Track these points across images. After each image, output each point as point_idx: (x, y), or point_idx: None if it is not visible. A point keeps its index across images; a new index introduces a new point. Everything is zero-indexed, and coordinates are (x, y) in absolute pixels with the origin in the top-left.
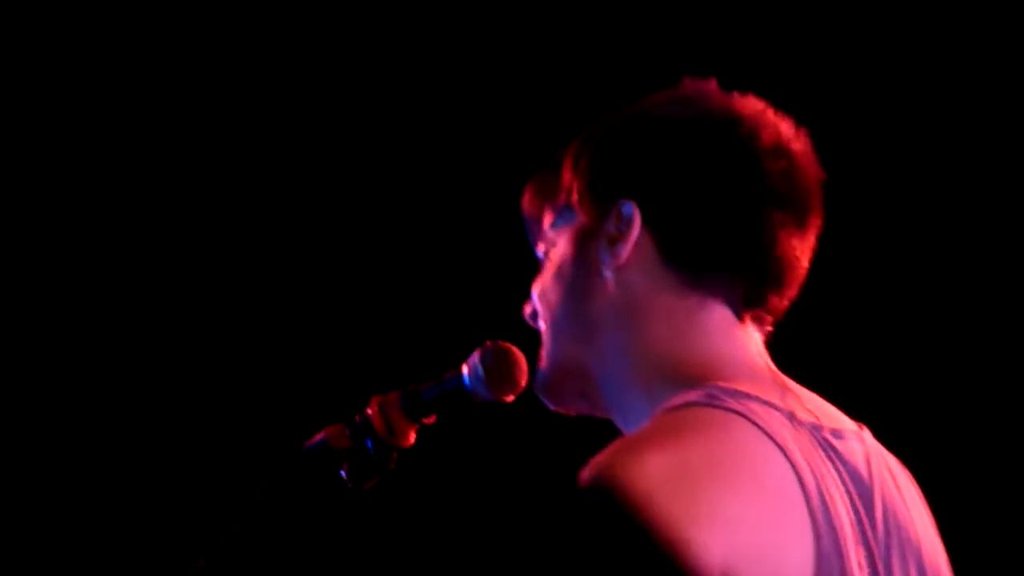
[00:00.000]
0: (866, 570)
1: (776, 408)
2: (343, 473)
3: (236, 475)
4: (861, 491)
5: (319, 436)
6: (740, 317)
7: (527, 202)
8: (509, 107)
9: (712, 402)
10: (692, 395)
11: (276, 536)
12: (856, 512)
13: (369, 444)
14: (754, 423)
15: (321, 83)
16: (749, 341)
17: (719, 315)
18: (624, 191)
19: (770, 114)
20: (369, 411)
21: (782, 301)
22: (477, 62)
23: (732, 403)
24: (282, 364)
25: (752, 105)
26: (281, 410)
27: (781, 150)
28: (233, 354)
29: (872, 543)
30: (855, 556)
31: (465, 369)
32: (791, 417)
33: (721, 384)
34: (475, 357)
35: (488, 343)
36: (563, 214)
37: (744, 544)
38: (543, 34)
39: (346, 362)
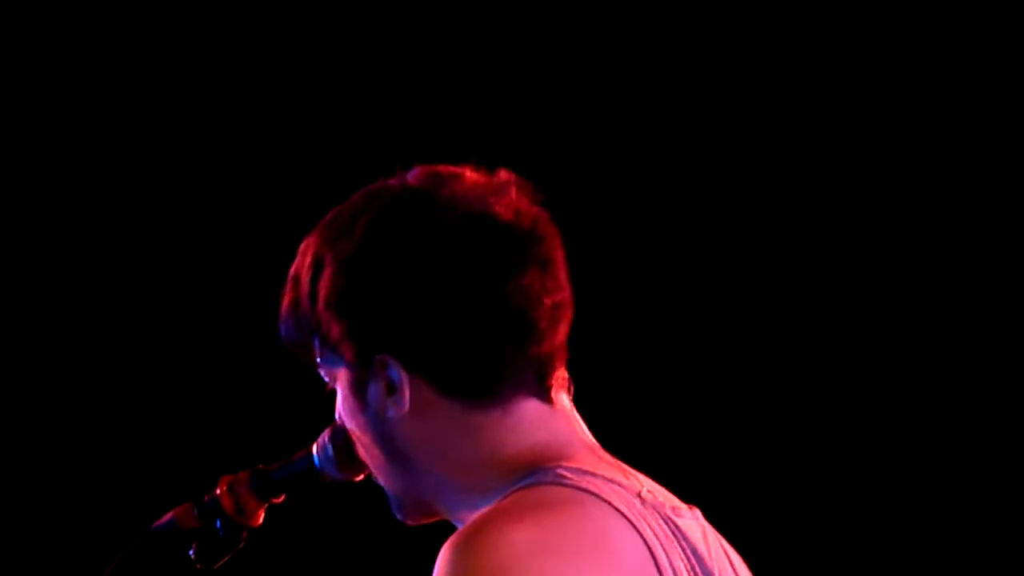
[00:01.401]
0: None
1: (621, 485)
2: (192, 553)
3: (84, 557)
4: (702, 567)
5: (167, 516)
6: (546, 397)
7: (285, 330)
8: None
9: (560, 481)
10: (536, 477)
11: None
12: None
13: (218, 524)
14: (605, 500)
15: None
16: (569, 421)
17: (528, 407)
18: (380, 344)
19: (458, 171)
20: (218, 491)
21: (563, 345)
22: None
23: (579, 481)
24: (129, 440)
25: (443, 174)
26: (129, 490)
27: (488, 195)
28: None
29: None
30: None
31: (315, 448)
32: (636, 495)
33: (563, 464)
34: (324, 436)
35: (337, 422)
36: (324, 353)
37: None
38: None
39: (193, 442)
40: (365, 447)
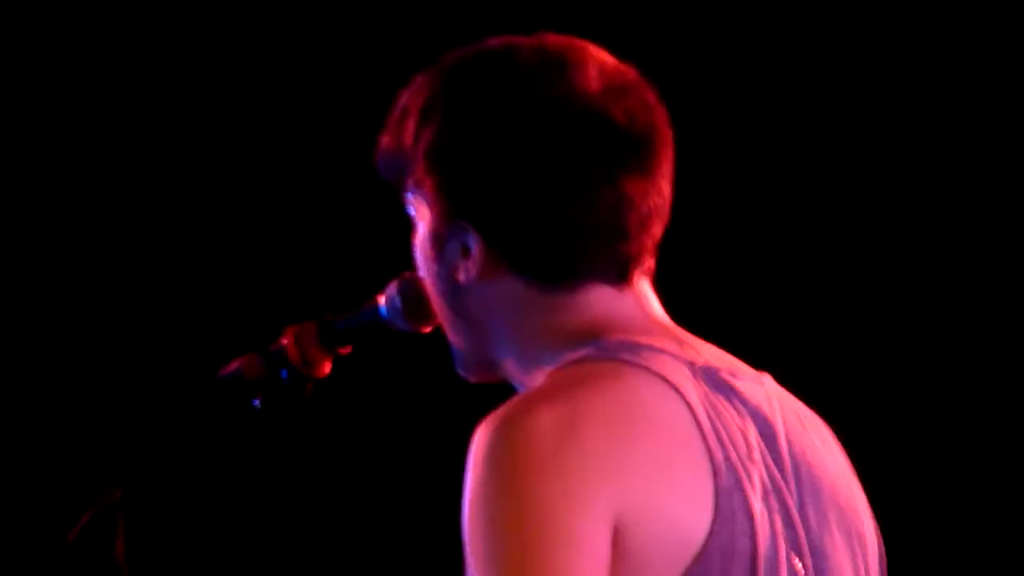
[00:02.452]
0: (774, 503)
1: (668, 352)
2: (256, 402)
3: (151, 405)
4: (763, 429)
5: (233, 365)
6: (621, 287)
7: (382, 155)
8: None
9: (602, 354)
10: (582, 352)
11: (191, 465)
12: (760, 449)
13: (284, 374)
14: (646, 368)
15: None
16: (638, 300)
17: (598, 294)
18: (465, 211)
19: (590, 56)
20: (284, 341)
21: (653, 247)
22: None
23: (622, 353)
24: (198, 292)
25: (575, 55)
26: (198, 338)
27: (609, 94)
28: (146, 281)
29: (778, 479)
30: (759, 490)
31: (382, 300)
32: (686, 362)
33: (613, 337)
34: (392, 288)
35: (405, 274)
36: (418, 187)
37: (640, 493)
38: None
39: (262, 291)
40: (433, 297)
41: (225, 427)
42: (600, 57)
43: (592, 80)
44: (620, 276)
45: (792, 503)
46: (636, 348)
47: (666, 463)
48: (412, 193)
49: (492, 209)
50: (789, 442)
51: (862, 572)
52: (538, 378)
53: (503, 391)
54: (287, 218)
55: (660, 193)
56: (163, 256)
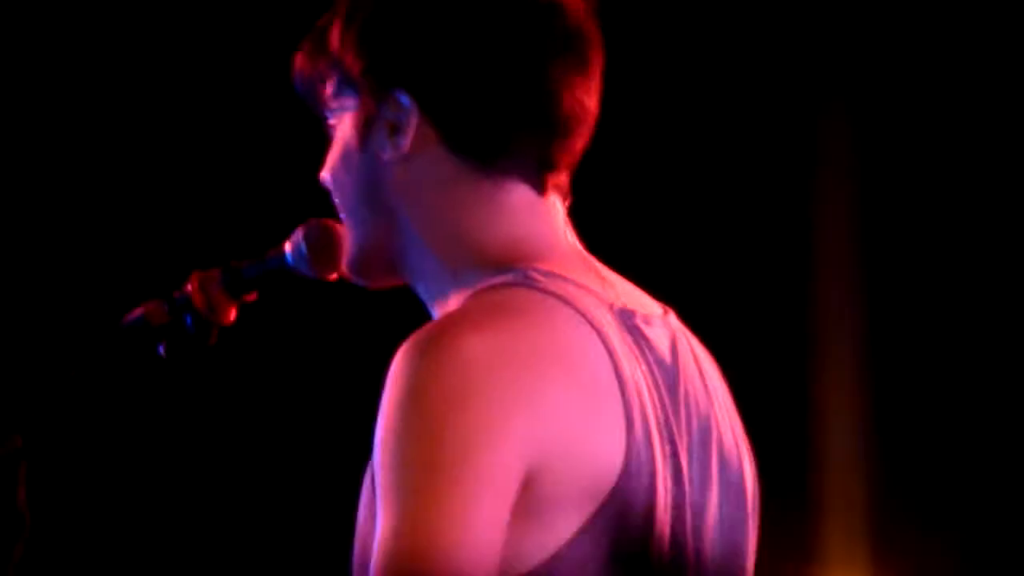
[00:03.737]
0: (668, 457)
1: (591, 291)
2: (161, 349)
3: (53, 352)
4: (667, 379)
5: (137, 312)
6: (541, 189)
7: (301, 72)
8: None
9: (529, 283)
10: (507, 277)
11: (94, 413)
12: (661, 400)
13: (188, 321)
14: (572, 306)
15: None
16: (555, 220)
17: (520, 194)
18: (399, 77)
19: None
20: (189, 287)
21: (575, 155)
22: None
23: (549, 285)
24: (100, 239)
25: None
26: (99, 285)
27: (562, 9)
28: (48, 229)
29: (675, 431)
30: (660, 446)
31: (288, 247)
32: (607, 304)
33: (536, 266)
34: (298, 235)
35: (311, 221)
36: (341, 89)
37: (557, 433)
38: None
39: (165, 237)
40: (348, 192)
41: (129, 373)
42: None
43: None
44: (541, 169)
45: (684, 460)
46: (559, 280)
47: (585, 409)
48: (336, 93)
49: (431, 72)
50: (686, 393)
51: (739, 522)
52: (455, 297)
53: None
54: (192, 164)
55: (592, 97)
56: (66, 202)
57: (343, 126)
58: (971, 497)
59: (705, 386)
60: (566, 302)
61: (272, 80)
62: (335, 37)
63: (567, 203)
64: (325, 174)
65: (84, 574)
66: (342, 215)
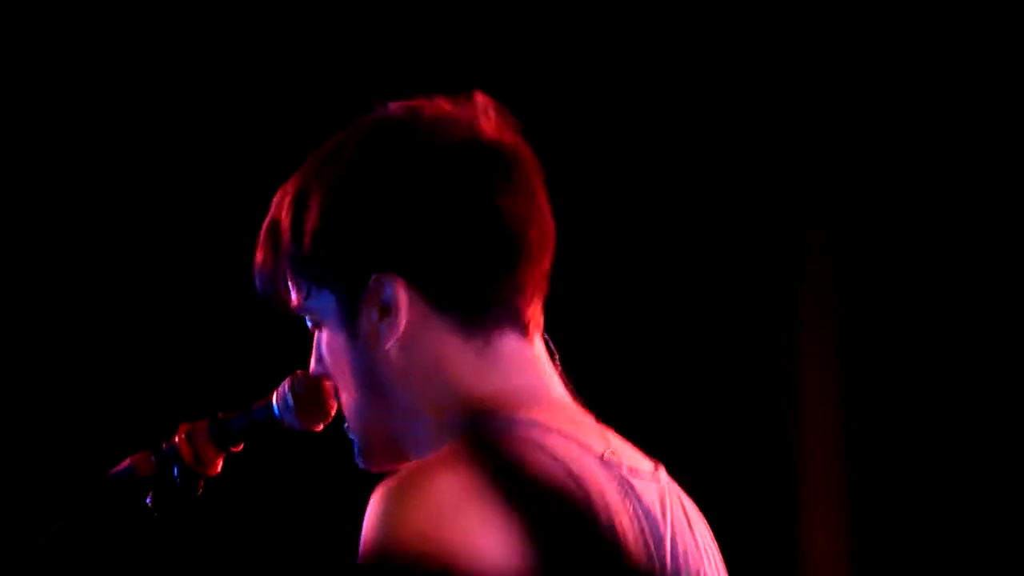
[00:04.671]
0: None
1: (576, 440)
2: (148, 501)
3: (39, 504)
4: (654, 531)
5: (125, 463)
6: (524, 333)
7: (261, 281)
8: None
9: (506, 432)
10: (487, 424)
11: (81, 566)
12: (647, 548)
13: (176, 472)
14: (551, 454)
15: None
16: (544, 369)
17: (506, 344)
18: (378, 262)
19: (431, 103)
20: (176, 439)
21: (546, 280)
22: None
23: (527, 430)
24: (87, 390)
25: (420, 106)
26: (86, 438)
27: (487, 142)
28: (41, 378)
29: None
30: None
31: (274, 398)
32: (586, 448)
33: (521, 415)
34: (284, 386)
35: (298, 372)
36: (312, 287)
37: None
38: None
39: (153, 389)
40: (345, 384)
41: (116, 523)
42: (441, 101)
43: (450, 111)
44: (523, 306)
45: None
46: (546, 431)
47: (554, 557)
48: (308, 292)
49: (401, 247)
50: (673, 544)
51: None
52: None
53: None
54: (179, 317)
55: (545, 216)
56: (58, 349)
57: (326, 322)
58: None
59: (696, 541)
60: (547, 451)
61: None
62: (294, 238)
63: (547, 344)
64: (319, 367)
65: None
66: (347, 411)
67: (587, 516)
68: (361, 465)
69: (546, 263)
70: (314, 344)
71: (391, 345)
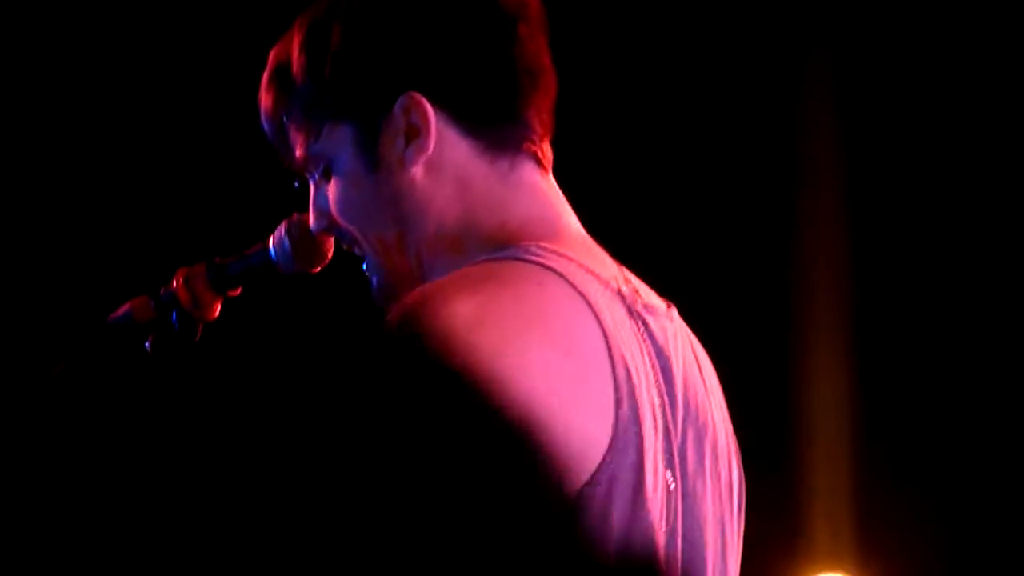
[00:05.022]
0: (661, 444)
1: (593, 273)
2: (148, 345)
3: (39, 349)
4: (665, 369)
5: (123, 309)
6: (542, 166)
7: (270, 126)
8: None
9: (526, 256)
10: (507, 251)
11: (81, 410)
12: (658, 388)
13: (174, 317)
14: (568, 280)
15: None
16: (562, 204)
17: (528, 174)
18: (402, 82)
19: None
20: (174, 284)
21: (552, 114)
22: None
23: (547, 259)
24: (84, 236)
25: None
26: (85, 282)
27: None
28: (33, 227)
29: (669, 420)
30: (652, 428)
31: (271, 242)
32: (606, 283)
33: (541, 244)
34: (281, 230)
35: (294, 216)
36: (325, 121)
37: (546, 393)
38: None
39: (150, 234)
40: (369, 221)
41: (115, 368)
42: None
43: None
44: (542, 134)
45: (676, 446)
46: (565, 260)
47: (572, 381)
48: (320, 131)
49: (430, 63)
50: (684, 385)
51: (727, 518)
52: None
53: None
54: (177, 162)
55: (547, 56)
56: (54, 198)
57: (339, 161)
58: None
59: (704, 383)
60: (561, 276)
61: (253, 80)
62: (311, 71)
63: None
64: (323, 221)
65: (72, 573)
66: (364, 251)
67: (601, 348)
68: (379, 303)
69: (553, 95)
70: (312, 198)
71: (417, 169)
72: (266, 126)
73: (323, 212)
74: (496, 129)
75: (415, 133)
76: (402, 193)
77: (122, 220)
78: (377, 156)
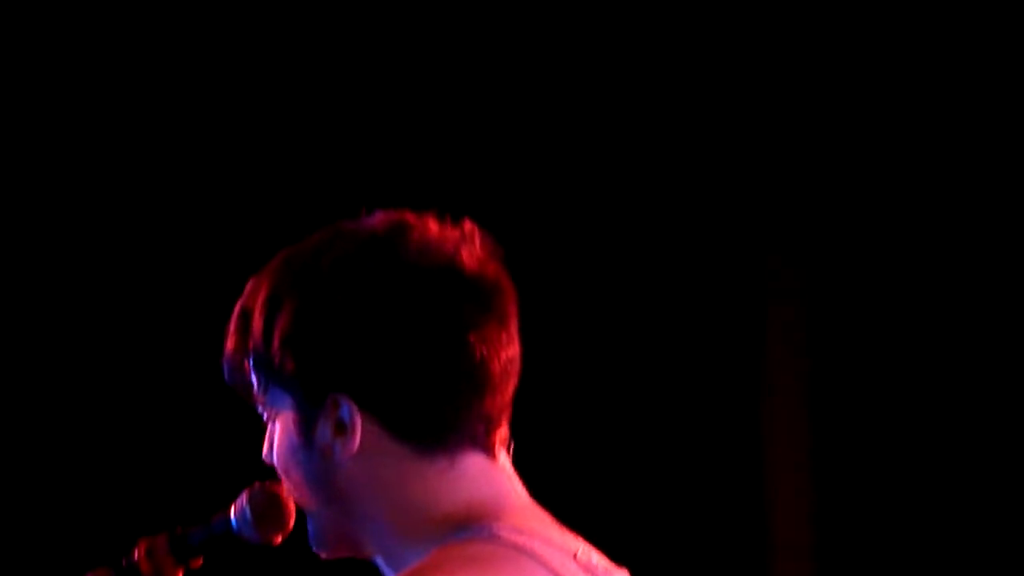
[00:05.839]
0: None
1: (552, 543)
2: None
3: None
4: None
5: None
6: (489, 452)
7: (229, 369)
8: None
9: (494, 538)
10: (470, 533)
11: None
12: None
13: None
14: (536, 558)
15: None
16: (508, 480)
17: (470, 462)
18: (336, 382)
19: (421, 221)
20: (136, 555)
21: (510, 405)
22: None
23: (514, 538)
24: (49, 504)
25: (406, 222)
26: (48, 554)
27: (456, 244)
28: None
29: None
30: None
31: (233, 511)
32: (571, 555)
33: (500, 522)
34: (242, 499)
35: (256, 484)
36: (271, 385)
37: None
38: None
39: (112, 505)
40: (300, 484)
41: None
42: (432, 221)
43: (434, 235)
44: (487, 434)
45: None
46: (523, 535)
47: None
48: (267, 388)
49: (363, 374)
50: None
51: None
52: (410, 561)
53: None
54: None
55: (514, 343)
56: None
57: (281, 423)
58: None
59: None
60: (531, 555)
61: None
62: (264, 336)
63: (510, 450)
64: (272, 459)
65: None
66: (299, 503)
67: None
68: (315, 550)
69: (510, 390)
70: (267, 431)
71: (344, 461)
72: (226, 367)
73: (272, 447)
74: (430, 437)
75: (343, 430)
76: (331, 477)
77: (84, 489)
78: (312, 436)
